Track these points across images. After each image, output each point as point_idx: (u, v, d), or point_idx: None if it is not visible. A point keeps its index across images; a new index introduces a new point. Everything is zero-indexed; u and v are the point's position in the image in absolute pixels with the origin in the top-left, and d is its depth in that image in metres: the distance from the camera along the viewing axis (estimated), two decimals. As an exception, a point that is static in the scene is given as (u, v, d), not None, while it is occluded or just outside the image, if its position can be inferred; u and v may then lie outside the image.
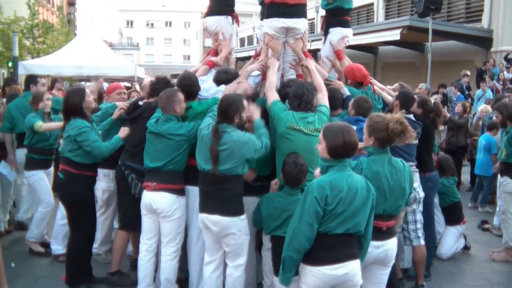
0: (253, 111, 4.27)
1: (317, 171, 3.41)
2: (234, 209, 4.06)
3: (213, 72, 5.14)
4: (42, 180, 5.81)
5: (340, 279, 3.16)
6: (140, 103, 4.94)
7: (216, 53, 5.48)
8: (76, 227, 4.84)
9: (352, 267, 3.18)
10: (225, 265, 4.24)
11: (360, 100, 4.60)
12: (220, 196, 4.02)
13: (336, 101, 4.80)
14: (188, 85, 4.56)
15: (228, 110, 4.01)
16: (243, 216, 4.11)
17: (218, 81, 4.81)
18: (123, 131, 4.85)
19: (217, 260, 4.23)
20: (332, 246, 3.12)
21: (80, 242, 4.85)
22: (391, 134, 3.49)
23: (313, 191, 3.08)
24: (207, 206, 4.08)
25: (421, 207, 4.95)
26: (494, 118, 7.08)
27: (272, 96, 4.39)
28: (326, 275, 3.13)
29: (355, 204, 3.12)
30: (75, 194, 4.79)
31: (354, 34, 6.86)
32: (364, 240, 3.29)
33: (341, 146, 3.13)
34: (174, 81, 4.92)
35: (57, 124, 5.67)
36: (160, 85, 4.81)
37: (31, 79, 6.96)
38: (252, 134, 4.08)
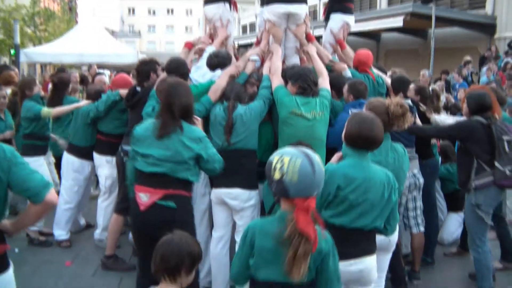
0: (265, 68, 4.70)
1: (335, 157, 3.30)
2: (253, 183, 4.26)
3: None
4: (43, 166, 5.75)
5: (354, 276, 3.02)
6: (138, 89, 4.95)
7: (211, 39, 5.45)
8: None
9: (368, 263, 3.06)
10: (232, 243, 4.37)
11: (354, 84, 4.56)
12: (239, 170, 4.17)
13: (341, 86, 4.78)
14: (177, 67, 4.54)
15: (242, 95, 4.36)
16: (257, 191, 4.29)
17: (211, 65, 4.79)
18: None
19: (226, 236, 4.38)
20: (348, 240, 2.94)
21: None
22: (392, 117, 3.47)
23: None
24: (225, 181, 4.17)
25: (421, 194, 4.94)
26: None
27: (277, 81, 4.41)
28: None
29: (372, 196, 2.97)
30: None
31: (357, 21, 6.81)
32: (386, 231, 3.15)
33: (354, 136, 3.02)
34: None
35: (68, 107, 5.74)
36: (146, 66, 4.92)
37: None
38: (255, 102, 4.35)
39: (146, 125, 3.57)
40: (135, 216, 3.52)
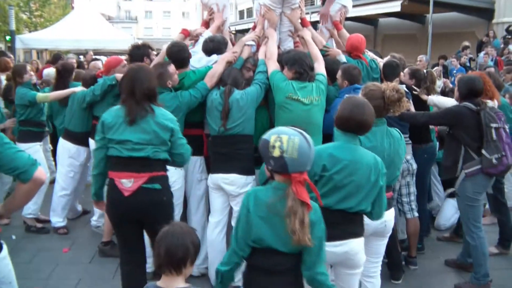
0: (261, 53, 4.66)
1: None
2: (249, 168, 4.28)
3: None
4: (39, 152, 5.74)
5: (339, 257, 3.06)
6: None
7: (207, 25, 5.41)
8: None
9: (353, 245, 3.08)
10: (229, 229, 4.36)
11: (348, 69, 4.53)
12: (236, 156, 4.21)
13: (335, 72, 4.75)
14: (178, 51, 4.49)
15: (239, 80, 4.35)
16: (254, 176, 4.32)
17: (206, 50, 4.76)
18: None
19: (222, 222, 4.40)
20: (333, 222, 2.88)
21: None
22: (387, 102, 3.47)
23: None
24: (222, 167, 4.23)
25: (414, 179, 4.91)
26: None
27: (273, 66, 4.39)
28: None
29: (358, 178, 2.99)
30: None
31: (354, 6, 6.76)
32: (371, 215, 3.18)
33: (345, 119, 3.05)
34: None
35: (65, 91, 5.69)
36: (139, 50, 4.89)
37: None
38: (252, 87, 4.33)
39: (115, 112, 3.50)
40: (118, 203, 3.43)
